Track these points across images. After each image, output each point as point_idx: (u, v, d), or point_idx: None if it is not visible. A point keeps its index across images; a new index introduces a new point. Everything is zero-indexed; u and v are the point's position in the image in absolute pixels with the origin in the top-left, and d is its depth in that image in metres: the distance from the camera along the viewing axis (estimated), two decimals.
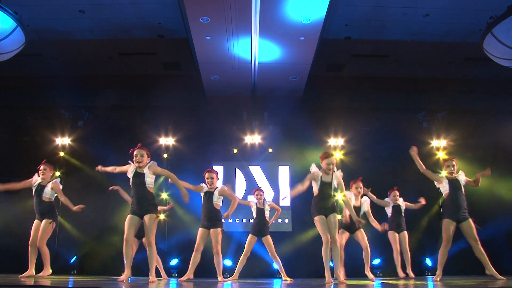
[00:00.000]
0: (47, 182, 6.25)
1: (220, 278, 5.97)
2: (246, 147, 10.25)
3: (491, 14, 6.50)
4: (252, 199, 7.23)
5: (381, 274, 9.29)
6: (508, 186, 9.48)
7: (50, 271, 6.20)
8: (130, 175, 4.96)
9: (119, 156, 9.67)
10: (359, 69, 10.00)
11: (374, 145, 10.13)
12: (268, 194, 10.13)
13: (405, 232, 7.35)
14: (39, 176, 6.24)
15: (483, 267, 9.45)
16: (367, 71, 10.05)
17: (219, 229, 5.85)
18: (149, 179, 4.94)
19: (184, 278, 5.88)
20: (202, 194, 6.01)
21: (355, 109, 10.33)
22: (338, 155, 10.16)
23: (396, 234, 7.31)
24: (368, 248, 6.62)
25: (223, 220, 6.04)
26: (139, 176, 4.91)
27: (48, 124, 10.00)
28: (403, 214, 7.42)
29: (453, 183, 5.44)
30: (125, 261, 4.90)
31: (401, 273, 7.23)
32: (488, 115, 10.17)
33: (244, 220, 9.85)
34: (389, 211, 7.48)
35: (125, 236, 4.79)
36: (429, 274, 9.22)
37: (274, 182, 10.21)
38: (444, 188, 5.49)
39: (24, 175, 9.70)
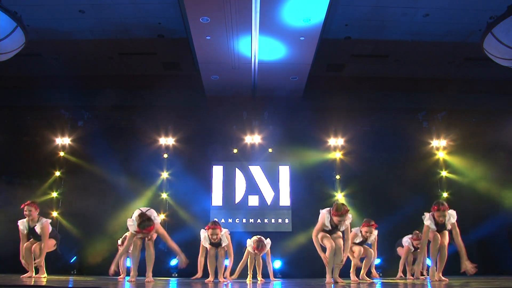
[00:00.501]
0: (35, 222, 6.03)
1: (220, 278, 6.04)
2: (246, 147, 10.25)
3: (491, 14, 6.48)
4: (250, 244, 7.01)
5: (381, 274, 9.29)
6: (509, 186, 9.47)
7: (45, 274, 6.21)
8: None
9: (119, 156, 9.78)
10: (359, 69, 9.99)
11: (374, 145, 10.13)
12: (268, 195, 10.14)
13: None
14: (25, 218, 6.03)
15: (483, 267, 9.47)
16: (367, 71, 10.05)
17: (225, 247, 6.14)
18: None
19: (210, 279, 6.03)
20: (207, 246, 6.14)
21: (355, 109, 10.32)
22: (338, 155, 10.18)
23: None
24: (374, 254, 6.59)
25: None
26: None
27: (48, 124, 10.00)
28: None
29: (439, 226, 5.69)
30: (132, 263, 5.26)
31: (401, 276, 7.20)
32: (488, 115, 10.17)
33: (244, 220, 9.85)
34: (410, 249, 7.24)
35: (134, 239, 5.19)
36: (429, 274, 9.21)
37: (274, 182, 10.20)
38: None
39: (24, 175, 9.79)
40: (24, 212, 5.98)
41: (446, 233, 5.67)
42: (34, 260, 6.11)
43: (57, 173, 9.90)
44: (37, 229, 5.97)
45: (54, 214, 9.63)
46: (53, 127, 10.00)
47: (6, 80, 9.89)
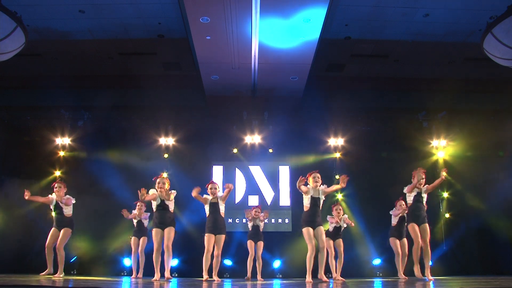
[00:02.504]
0: (61, 199, 6.78)
1: (215, 277, 6.28)
2: (246, 147, 10.25)
3: (491, 14, 6.49)
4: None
5: (381, 274, 9.31)
6: (509, 186, 9.47)
7: (63, 273, 6.76)
8: (155, 204, 6.10)
9: (119, 156, 9.78)
10: (359, 69, 9.99)
11: (374, 145, 10.13)
12: (268, 195, 10.16)
13: (405, 239, 7.29)
14: (54, 193, 6.80)
15: (483, 267, 9.48)
16: (367, 71, 10.05)
17: (224, 236, 6.36)
18: (171, 206, 6.17)
19: (205, 278, 6.21)
20: (207, 206, 6.43)
21: (355, 109, 10.33)
22: (338, 155, 10.20)
23: (397, 241, 7.31)
24: (342, 256, 7.20)
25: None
26: (164, 205, 6.07)
27: (48, 124, 10.00)
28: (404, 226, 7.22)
29: (417, 196, 6.34)
30: (155, 265, 5.93)
31: (401, 276, 7.22)
32: (488, 115, 10.17)
33: (244, 220, 9.84)
34: (395, 220, 7.40)
35: (156, 246, 5.93)
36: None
37: (274, 182, 10.21)
38: (410, 198, 6.40)
39: (24, 175, 9.80)
40: (54, 189, 6.79)
41: (427, 227, 6.23)
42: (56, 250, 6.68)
43: (57, 173, 9.90)
44: (63, 202, 6.74)
45: (54, 214, 9.63)
46: (53, 127, 10.00)
47: (6, 80, 9.89)
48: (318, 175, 5.91)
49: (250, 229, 7.62)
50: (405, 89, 10.54)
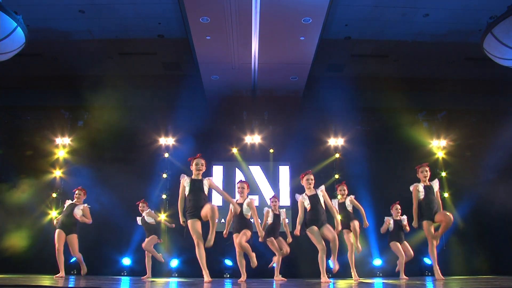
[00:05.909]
0: (79, 204, 7.07)
1: (243, 277, 6.25)
2: (246, 147, 10.25)
3: (491, 14, 6.49)
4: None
5: (381, 274, 9.31)
6: (508, 186, 9.47)
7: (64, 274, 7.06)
8: (187, 185, 5.26)
9: (119, 156, 9.77)
10: (359, 69, 9.99)
11: (374, 145, 10.13)
12: (268, 195, 10.14)
13: (405, 242, 7.32)
14: (73, 199, 7.10)
15: (483, 267, 9.48)
16: (367, 71, 10.05)
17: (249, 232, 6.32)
18: (206, 188, 5.31)
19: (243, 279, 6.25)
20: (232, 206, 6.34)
21: (355, 109, 10.32)
22: (338, 155, 10.20)
23: (398, 244, 7.23)
24: (353, 248, 6.85)
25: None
26: (197, 182, 5.22)
27: (48, 124, 10.00)
28: (403, 229, 7.31)
29: (428, 188, 6.16)
30: (201, 263, 5.07)
31: (403, 276, 7.24)
32: (488, 115, 10.17)
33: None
34: (390, 226, 7.42)
35: (198, 240, 5.07)
36: (429, 274, 9.23)
37: (274, 182, 10.21)
38: (421, 193, 6.16)
39: (24, 175, 9.79)
40: (74, 194, 7.11)
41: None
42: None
43: (57, 173, 9.90)
44: (79, 209, 7.00)
45: (54, 214, 9.64)
46: (53, 127, 10.00)
47: (6, 80, 9.89)
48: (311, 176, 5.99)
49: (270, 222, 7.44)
50: (405, 89, 10.53)
